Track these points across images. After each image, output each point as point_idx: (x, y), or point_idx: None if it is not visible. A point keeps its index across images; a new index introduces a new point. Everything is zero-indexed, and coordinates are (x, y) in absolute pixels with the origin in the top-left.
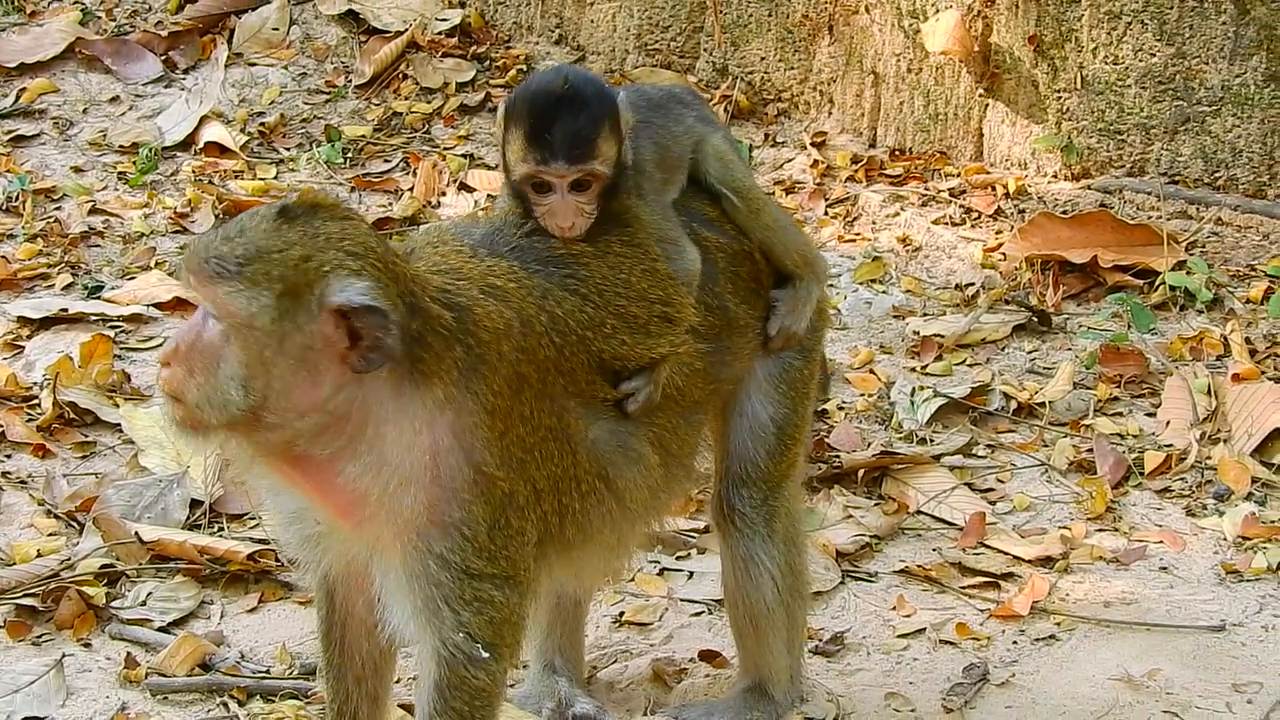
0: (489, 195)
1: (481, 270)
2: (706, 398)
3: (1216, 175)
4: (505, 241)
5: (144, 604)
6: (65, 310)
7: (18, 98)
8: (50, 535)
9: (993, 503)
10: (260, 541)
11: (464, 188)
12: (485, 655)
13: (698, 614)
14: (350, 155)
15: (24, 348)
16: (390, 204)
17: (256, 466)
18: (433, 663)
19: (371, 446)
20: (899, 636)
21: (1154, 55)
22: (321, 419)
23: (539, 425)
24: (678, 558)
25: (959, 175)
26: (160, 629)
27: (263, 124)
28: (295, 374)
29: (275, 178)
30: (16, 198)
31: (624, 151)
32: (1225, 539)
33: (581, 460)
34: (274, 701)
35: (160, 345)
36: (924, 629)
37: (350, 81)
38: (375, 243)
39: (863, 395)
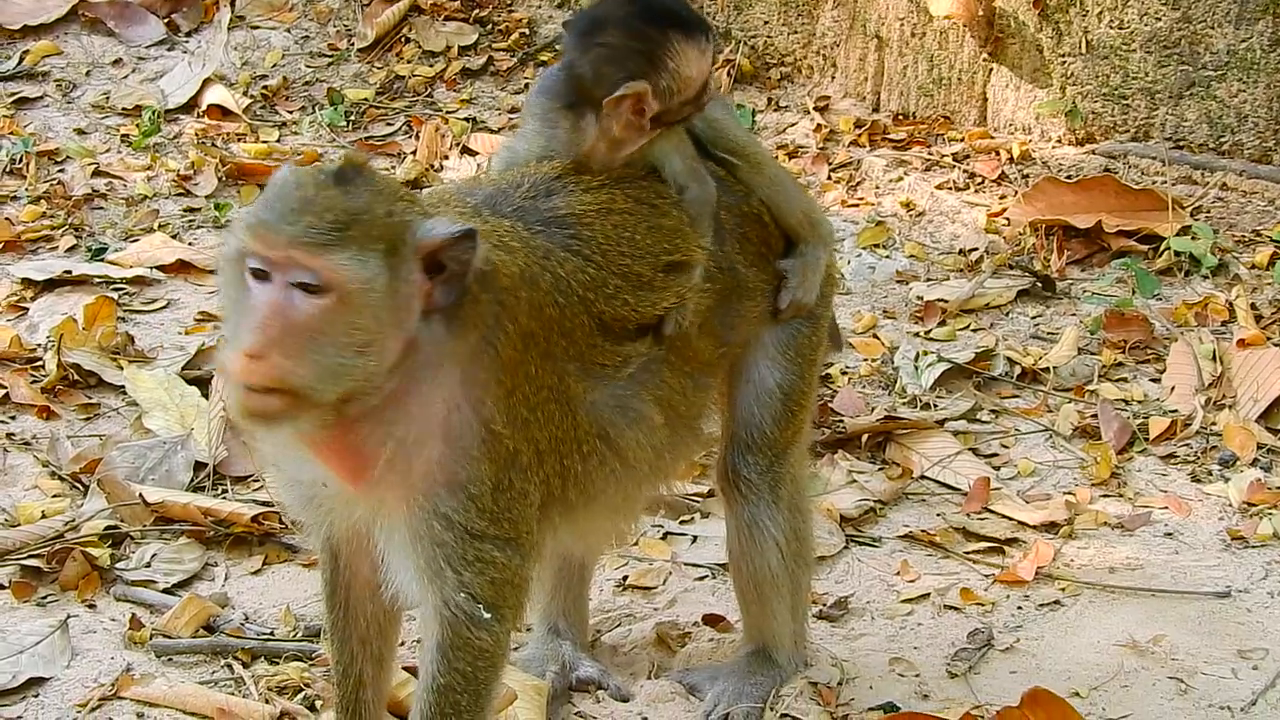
0: (491, 158)
1: (488, 229)
2: (715, 360)
3: (1222, 140)
4: (508, 203)
5: (148, 565)
6: (69, 272)
7: (21, 60)
8: (55, 497)
9: (997, 468)
10: (264, 504)
11: (466, 151)
12: (487, 616)
13: (701, 578)
14: (353, 118)
15: (28, 309)
16: (393, 167)
17: (300, 435)
18: (435, 624)
19: (396, 403)
20: (903, 601)
21: (1159, 19)
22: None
23: (542, 385)
24: (681, 522)
25: (963, 140)
26: (165, 590)
27: (265, 87)
28: (396, 327)
29: (278, 140)
30: (20, 160)
31: None
32: (1230, 505)
33: (581, 421)
34: (278, 663)
35: (164, 307)
36: (928, 594)
37: (353, 45)
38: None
39: (866, 360)
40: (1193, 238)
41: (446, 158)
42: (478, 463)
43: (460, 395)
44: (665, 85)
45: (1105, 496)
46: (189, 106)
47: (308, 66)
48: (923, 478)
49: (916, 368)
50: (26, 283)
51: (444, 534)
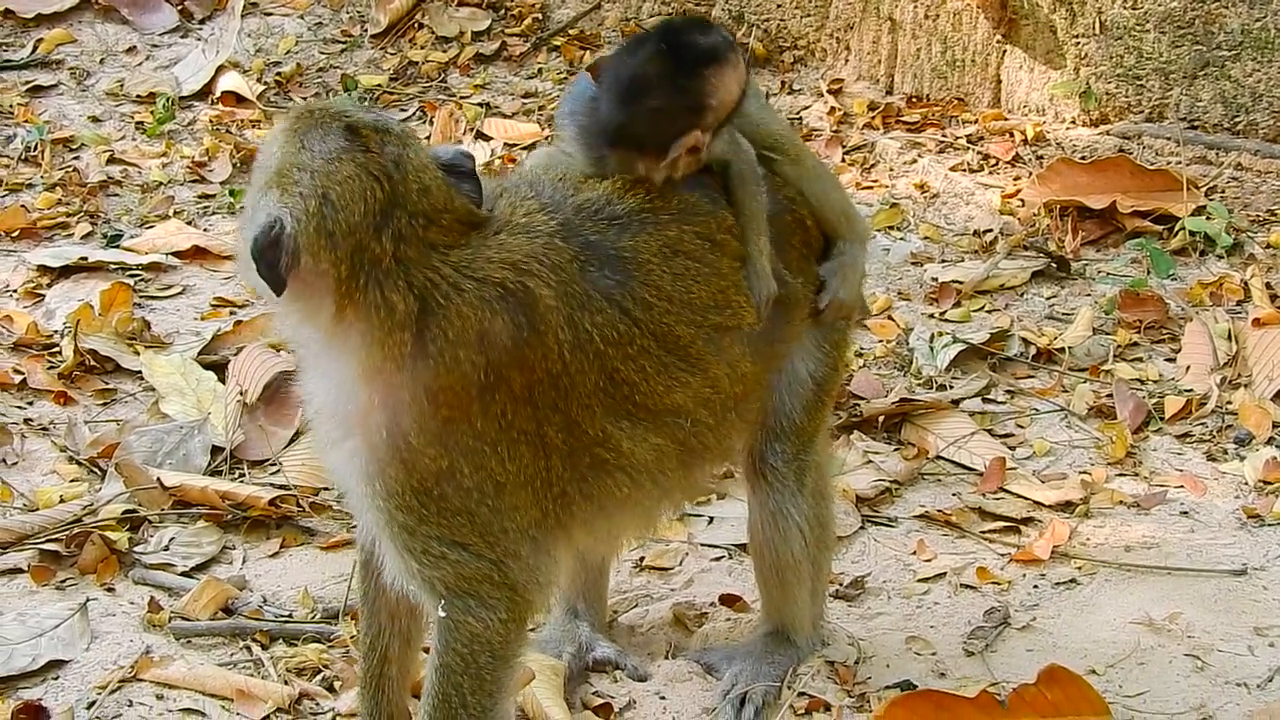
0: (505, 144)
1: (534, 263)
2: (761, 385)
3: (1236, 120)
4: (578, 233)
5: (166, 549)
6: (85, 259)
7: (35, 48)
8: (72, 481)
9: (1012, 448)
10: (281, 487)
11: (481, 136)
12: (443, 613)
13: (718, 559)
14: (366, 104)
15: (44, 296)
16: None
17: None
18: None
19: (318, 367)
20: (919, 581)
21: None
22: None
23: (510, 425)
24: (698, 503)
25: (977, 122)
26: (183, 574)
27: (279, 73)
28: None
29: None
30: (35, 147)
31: None
32: (1246, 483)
33: (555, 466)
34: (296, 645)
35: (179, 293)
36: (944, 573)
37: (366, 31)
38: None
39: (882, 342)
40: (1207, 218)
41: (460, 143)
42: (385, 464)
43: (376, 399)
44: (713, 118)
45: (1121, 476)
46: (203, 93)
47: (321, 53)
48: (938, 458)
49: (932, 349)
50: (43, 269)
51: (378, 516)
